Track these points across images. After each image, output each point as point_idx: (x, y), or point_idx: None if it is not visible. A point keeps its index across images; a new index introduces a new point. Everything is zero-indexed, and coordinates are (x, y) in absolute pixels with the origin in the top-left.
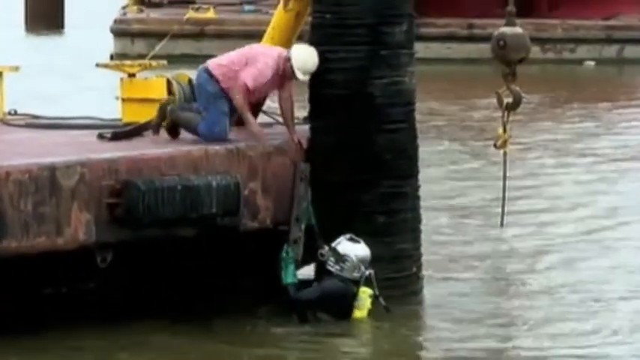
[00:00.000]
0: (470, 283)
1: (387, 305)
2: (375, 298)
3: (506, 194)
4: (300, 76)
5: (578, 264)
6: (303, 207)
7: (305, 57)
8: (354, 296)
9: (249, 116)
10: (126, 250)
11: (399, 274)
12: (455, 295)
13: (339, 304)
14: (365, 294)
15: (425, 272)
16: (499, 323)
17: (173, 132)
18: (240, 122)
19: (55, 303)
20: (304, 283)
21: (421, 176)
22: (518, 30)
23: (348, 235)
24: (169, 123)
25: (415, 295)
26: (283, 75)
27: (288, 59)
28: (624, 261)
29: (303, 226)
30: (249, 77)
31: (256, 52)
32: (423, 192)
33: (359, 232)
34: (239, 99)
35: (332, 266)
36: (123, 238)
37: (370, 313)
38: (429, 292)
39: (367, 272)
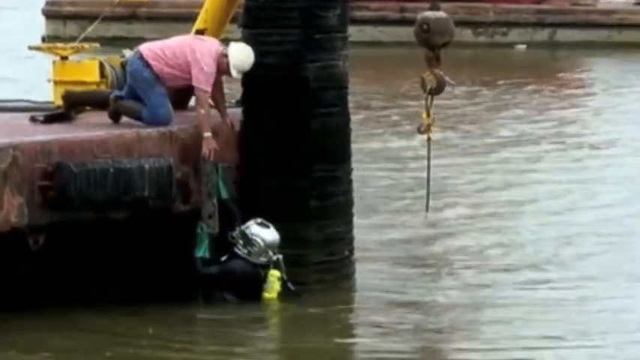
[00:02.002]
0: (395, 268)
1: (296, 290)
2: (283, 282)
3: (431, 178)
4: (235, 74)
5: (503, 243)
6: (212, 182)
7: (243, 57)
8: (262, 279)
9: (205, 127)
10: (59, 233)
11: (331, 258)
12: (384, 279)
13: (245, 286)
14: (273, 277)
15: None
16: (427, 308)
17: (115, 118)
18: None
19: None
20: (215, 262)
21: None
22: (442, 14)
23: (258, 219)
24: (112, 111)
25: (347, 279)
26: (219, 70)
27: (224, 55)
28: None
29: (215, 201)
30: (204, 83)
31: (196, 52)
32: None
33: (292, 217)
34: (202, 113)
35: (240, 249)
36: (55, 220)
37: (279, 295)
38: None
39: (275, 257)
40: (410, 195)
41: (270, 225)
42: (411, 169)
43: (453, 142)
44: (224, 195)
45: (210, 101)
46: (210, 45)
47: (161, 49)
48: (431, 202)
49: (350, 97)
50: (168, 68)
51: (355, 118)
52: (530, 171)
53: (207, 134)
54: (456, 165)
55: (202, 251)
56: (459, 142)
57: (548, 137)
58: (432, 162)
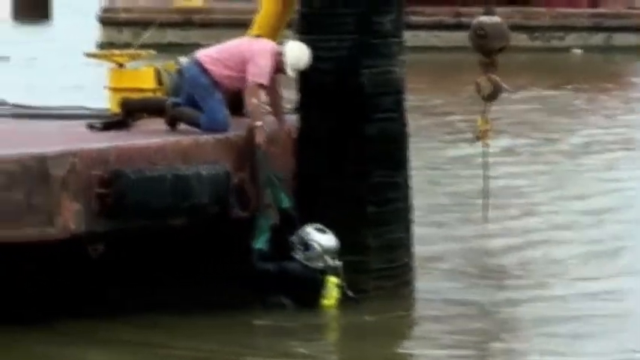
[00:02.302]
0: (456, 277)
1: (355, 297)
2: (342, 289)
3: (489, 187)
4: (290, 72)
5: (563, 255)
6: (267, 174)
7: (299, 55)
8: (320, 284)
9: (258, 116)
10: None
11: (391, 264)
12: (443, 289)
13: (302, 289)
14: (332, 283)
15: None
16: (487, 315)
17: (172, 124)
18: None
19: (49, 293)
20: (272, 259)
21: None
22: (497, 19)
23: (316, 225)
24: (169, 117)
25: (407, 285)
26: (275, 68)
27: (280, 54)
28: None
29: (269, 192)
30: (259, 76)
31: (252, 49)
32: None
33: (350, 223)
34: (255, 103)
35: (298, 254)
36: (113, 228)
37: (338, 303)
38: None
39: (333, 263)
40: (470, 203)
41: (328, 231)
42: (472, 177)
43: (518, 149)
44: (285, 204)
45: (268, 107)
46: (266, 43)
47: (217, 52)
48: (496, 212)
49: (409, 103)
50: (227, 70)
51: (413, 124)
52: (605, 179)
53: (259, 123)
54: (526, 173)
55: (261, 243)
56: (525, 149)
57: (619, 143)
58: (502, 170)
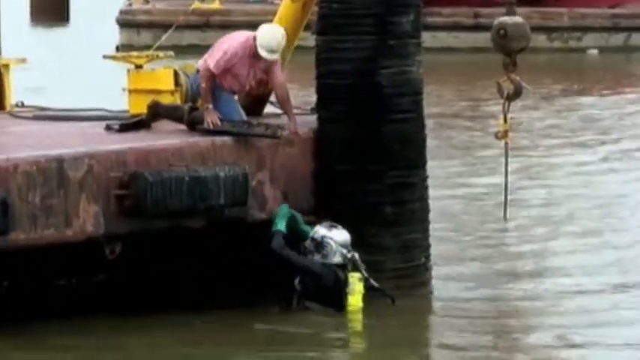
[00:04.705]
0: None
1: (379, 287)
2: (365, 280)
3: (509, 185)
4: (263, 53)
5: (583, 256)
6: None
7: (268, 35)
8: (342, 282)
9: (207, 99)
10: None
11: (407, 264)
12: (461, 288)
13: (326, 289)
14: (354, 278)
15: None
16: (505, 316)
17: (191, 127)
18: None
19: (65, 295)
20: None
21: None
22: (518, 19)
23: (326, 223)
24: (188, 121)
25: (424, 286)
26: (255, 55)
27: (254, 38)
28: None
29: None
30: (211, 61)
31: (225, 38)
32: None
33: (367, 223)
34: (202, 87)
35: (314, 256)
36: (131, 229)
37: (364, 297)
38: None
39: (349, 254)
40: (490, 203)
41: (338, 225)
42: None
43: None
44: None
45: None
46: (239, 33)
47: (208, 53)
48: (514, 211)
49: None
50: (221, 70)
51: (431, 123)
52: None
53: (209, 106)
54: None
55: (281, 225)
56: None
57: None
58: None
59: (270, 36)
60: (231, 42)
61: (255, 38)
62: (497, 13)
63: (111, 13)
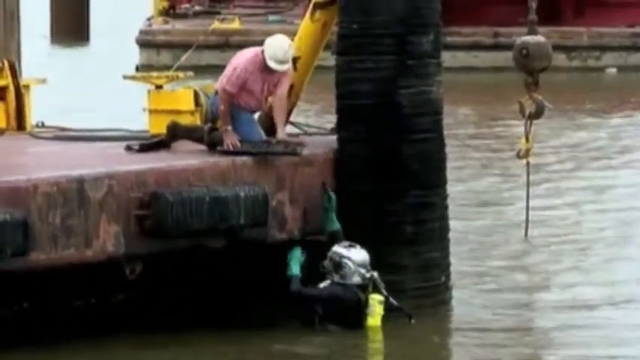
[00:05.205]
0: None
1: (399, 306)
2: (386, 301)
3: (530, 204)
4: (272, 65)
5: (605, 274)
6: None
7: (275, 46)
8: (363, 304)
9: (226, 121)
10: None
11: (427, 284)
12: (481, 307)
13: (347, 311)
14: (374, 300)
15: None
16: (525, 335)
17: (212, 147)
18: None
19: (85, 315)
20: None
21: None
22: (540, 38)
23: (344, 242)
24: (208, 141)
25: (444, 305)
26: (265, 68)
27: (262, 52)
28: None
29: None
30: (224, 79)
31: (235, 56)
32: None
33: (387, 242)
34: (221, 109)
35: (333, 276)
36: (151, 249)
37: (383, 319)
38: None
39: (368, 274)
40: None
41: (356, 245)
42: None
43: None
44: (336, 226)
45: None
46: (250, 49)
47: (223, 74)
48: (536, 229)
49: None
50: (236, 88)
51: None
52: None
53: (228, 127)
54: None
55: (296, 269)
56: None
57: None
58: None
59: (277, 46)
60: (240, 59)
61: (263, 51)
62: (516, 32)
63: (131, 32)
